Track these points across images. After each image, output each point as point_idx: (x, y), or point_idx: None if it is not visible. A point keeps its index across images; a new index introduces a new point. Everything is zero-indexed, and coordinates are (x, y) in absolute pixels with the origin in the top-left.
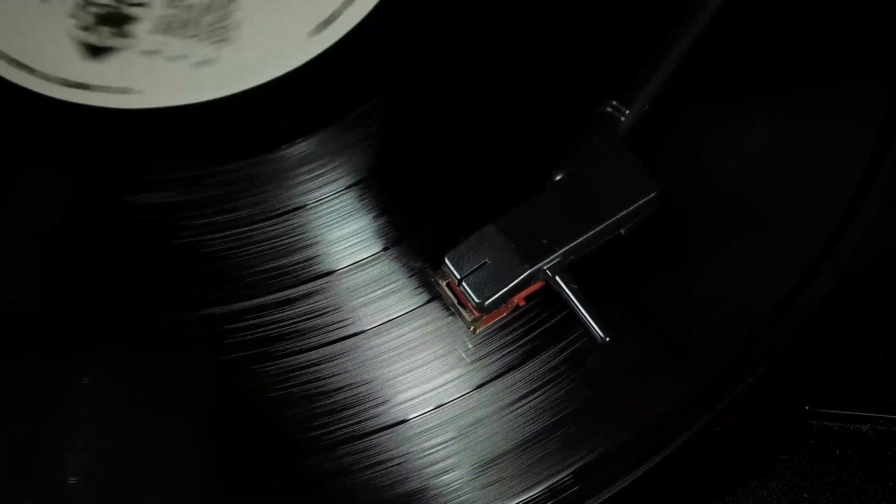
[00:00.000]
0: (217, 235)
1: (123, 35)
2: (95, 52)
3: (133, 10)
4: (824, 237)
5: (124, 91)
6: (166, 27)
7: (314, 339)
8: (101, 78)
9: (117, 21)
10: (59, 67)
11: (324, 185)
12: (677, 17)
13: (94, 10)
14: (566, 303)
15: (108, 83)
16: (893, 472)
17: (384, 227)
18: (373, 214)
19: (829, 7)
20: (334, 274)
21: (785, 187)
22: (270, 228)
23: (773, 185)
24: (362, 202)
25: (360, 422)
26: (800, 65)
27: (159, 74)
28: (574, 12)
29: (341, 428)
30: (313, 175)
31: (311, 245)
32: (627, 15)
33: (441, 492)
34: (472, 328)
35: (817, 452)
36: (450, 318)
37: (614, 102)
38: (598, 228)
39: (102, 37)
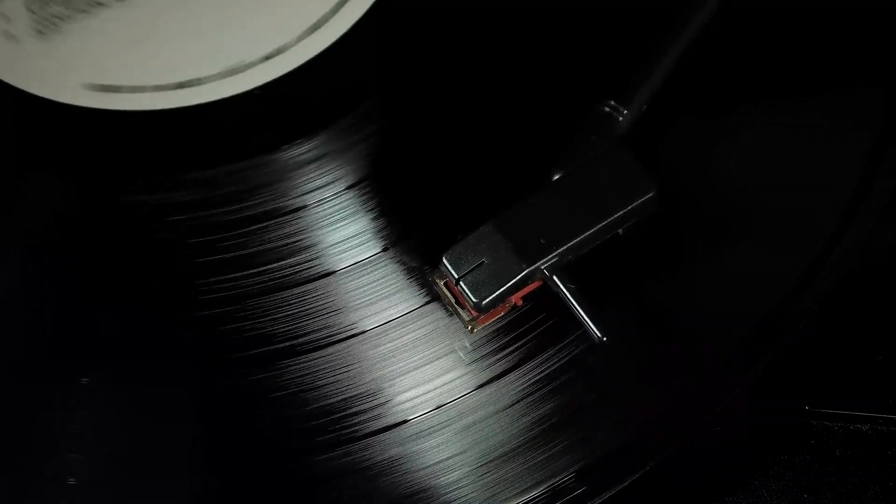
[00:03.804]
0: (218, 236)
1: None
2: None
3: None
4: (824, 238)
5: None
6: None
7: (314, 340)
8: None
9: None
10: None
11: (324, 185)
12: (676, 16)
13: None
14: (564, 303)
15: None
16: (893, 472)
17: (384, 228)
18: (372, 215)
19: (829, 9)
20: (334, 274)
21: (784, 188)
22: (271, 229)
23: (773, 185)
24: (362, 203)
25: (360, 422)
26: (799, 66)
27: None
28: (573, 12)
29: (342, 428)
30: (314, 176)
31: (311, 245)
32: (626, 14)
33: (442, 492)
34: (469, 328)
35: (817, 452)
36: (450, 317)
37: (613, 102)
38: (596, 228)
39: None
